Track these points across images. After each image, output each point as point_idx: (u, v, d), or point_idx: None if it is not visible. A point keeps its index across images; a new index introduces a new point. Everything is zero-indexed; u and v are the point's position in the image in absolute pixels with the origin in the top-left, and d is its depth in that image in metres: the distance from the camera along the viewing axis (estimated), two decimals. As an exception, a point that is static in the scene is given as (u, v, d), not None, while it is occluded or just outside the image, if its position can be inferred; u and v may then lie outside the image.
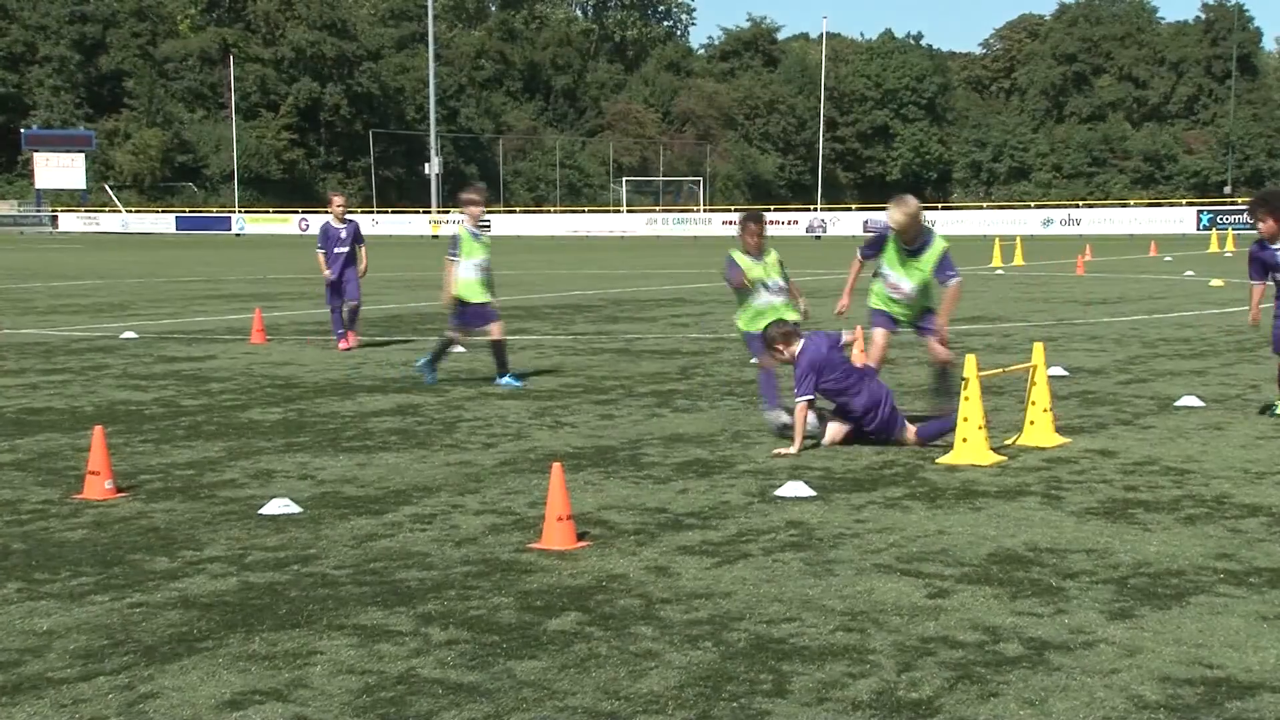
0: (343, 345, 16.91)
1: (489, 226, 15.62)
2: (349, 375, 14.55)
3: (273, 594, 6.32)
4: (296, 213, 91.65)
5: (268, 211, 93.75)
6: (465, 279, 13.67)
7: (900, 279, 10.63)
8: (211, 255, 52.13)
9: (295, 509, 7.99)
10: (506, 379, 13.64)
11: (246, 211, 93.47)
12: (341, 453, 9.95)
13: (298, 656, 5.44)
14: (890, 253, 10.70)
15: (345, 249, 17.26)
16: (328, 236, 17.32)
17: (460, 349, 15.57)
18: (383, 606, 6.11)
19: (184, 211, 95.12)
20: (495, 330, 13.68)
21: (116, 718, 4.83)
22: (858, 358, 11.17)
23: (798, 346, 10.11)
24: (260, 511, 7.97)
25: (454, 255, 13.69)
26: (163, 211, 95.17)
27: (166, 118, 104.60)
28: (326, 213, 16.33)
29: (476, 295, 13.70)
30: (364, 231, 17.86)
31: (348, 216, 17.48)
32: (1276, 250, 11.41)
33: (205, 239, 78.83)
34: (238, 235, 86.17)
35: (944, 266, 10.59)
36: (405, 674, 5.25)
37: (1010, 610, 6.04)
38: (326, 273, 17.22)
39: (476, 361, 15.77)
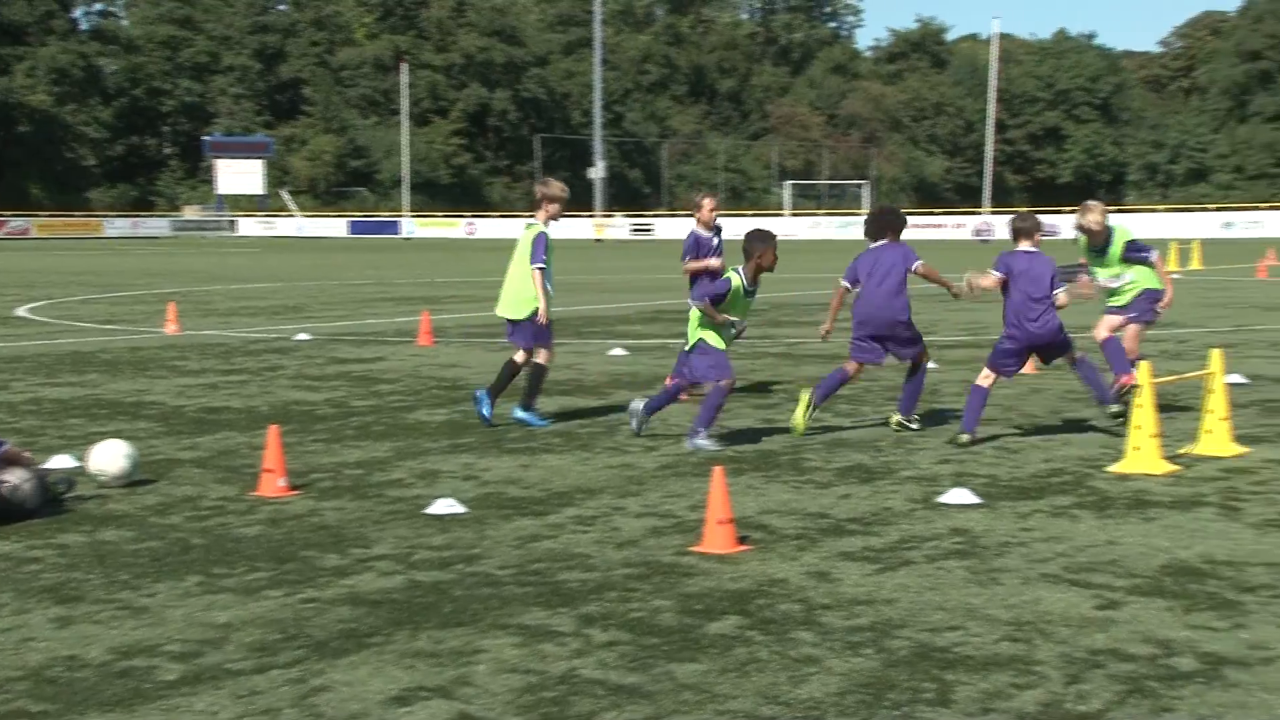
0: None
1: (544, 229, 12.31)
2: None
3: (438, 592, 6.44)
4: (464, 216, 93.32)
5: (436, 215, 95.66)
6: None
7: (1104, 278, 11.74)
8: (381, 259, 53.33)
9: (460, 509, 8.13)
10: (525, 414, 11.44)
11: (416, 216, 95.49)
12: (505, 454, 10.09)
13: (462, 654, 5.53)
14: (1088, 258, 11.88)
15: (717, 261, 13.29)
16: (699, 247, 13.48)
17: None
18: (545, 607, 6.18)
19: (356, 216, 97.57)
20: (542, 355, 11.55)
21: (289, 709, 4.97)
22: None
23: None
24: (426, 511, 8.12)
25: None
26: (336, 216, 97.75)
27: (341, 124, 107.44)
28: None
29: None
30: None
31: (718, 222, 13.68)
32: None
33: (376, 242, 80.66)
34: (407, 239, 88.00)
35: (1131, 248, 11.70)
36: (567, 674, 5.30)
37: (1184, 624, 5.86)
38: (715, 262, 13.26)
39: (638, 365, 15.86)
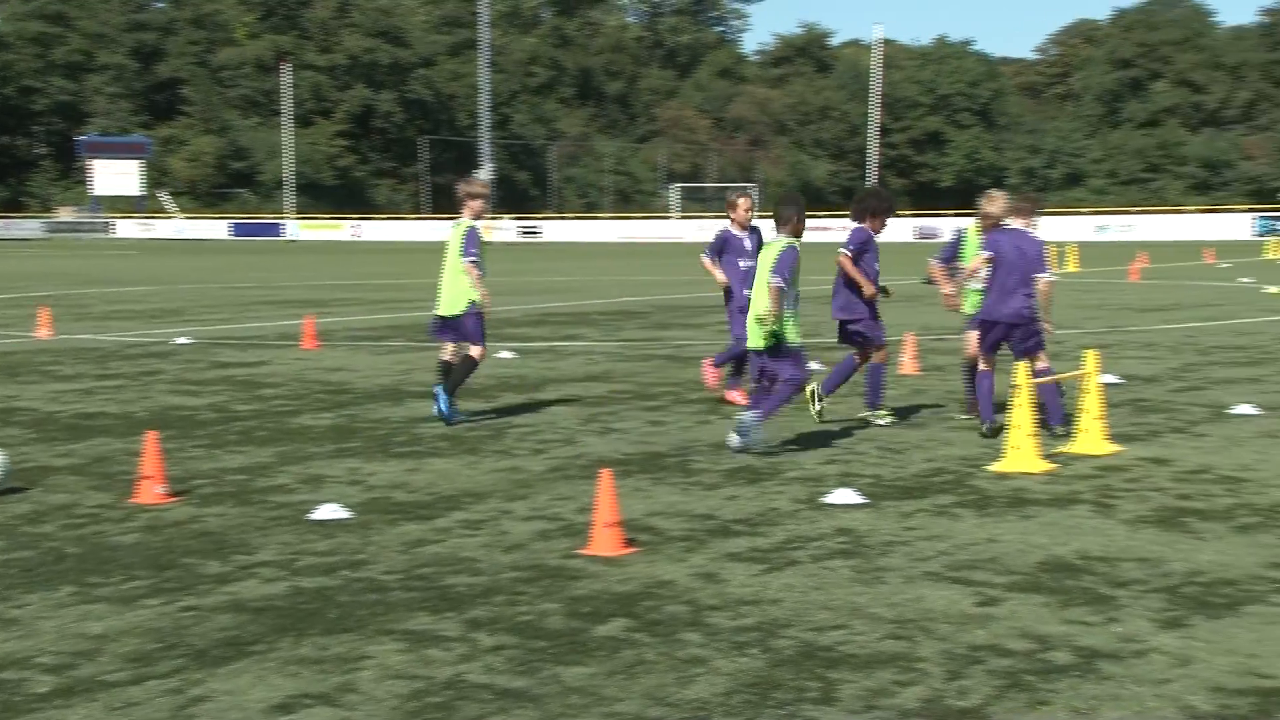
0: (730, 395, 13.02)
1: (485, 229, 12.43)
2: (399, 381, 14.63)
3: (322, 599, 6.36)
4: (349, 219, 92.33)
5: (320, 218, 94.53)
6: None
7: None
8: (265, 261, 52.56)
9: (345, 514, 8.04)
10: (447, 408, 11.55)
11: (300, 218, 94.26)
12: (392, 458, 10.01)
13: (347, 661, 5.47)
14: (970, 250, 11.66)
15: (750, 262, 12.33)
16: (726, 244, 13.12)
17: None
18: (431, 612, 6.14)
19: (238, 218, 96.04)
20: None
21: (167, 720, 4.87)
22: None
23: None
24: (311, 517, 8.02)
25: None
26: (217, 218, 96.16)
27: (222, 125, 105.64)
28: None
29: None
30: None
31: (753, 224, 13.20)
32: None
33: (259, 245, 79.43)
34: (291, 241, 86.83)
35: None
36: (453, 679, 5.26)
37: (1060, 619, 5.99)
38: (720, 277, 13.12)
39: (525, 368, 15.82)
